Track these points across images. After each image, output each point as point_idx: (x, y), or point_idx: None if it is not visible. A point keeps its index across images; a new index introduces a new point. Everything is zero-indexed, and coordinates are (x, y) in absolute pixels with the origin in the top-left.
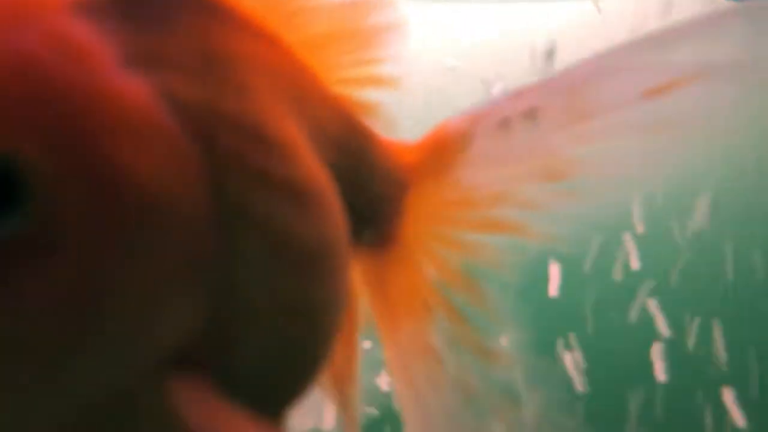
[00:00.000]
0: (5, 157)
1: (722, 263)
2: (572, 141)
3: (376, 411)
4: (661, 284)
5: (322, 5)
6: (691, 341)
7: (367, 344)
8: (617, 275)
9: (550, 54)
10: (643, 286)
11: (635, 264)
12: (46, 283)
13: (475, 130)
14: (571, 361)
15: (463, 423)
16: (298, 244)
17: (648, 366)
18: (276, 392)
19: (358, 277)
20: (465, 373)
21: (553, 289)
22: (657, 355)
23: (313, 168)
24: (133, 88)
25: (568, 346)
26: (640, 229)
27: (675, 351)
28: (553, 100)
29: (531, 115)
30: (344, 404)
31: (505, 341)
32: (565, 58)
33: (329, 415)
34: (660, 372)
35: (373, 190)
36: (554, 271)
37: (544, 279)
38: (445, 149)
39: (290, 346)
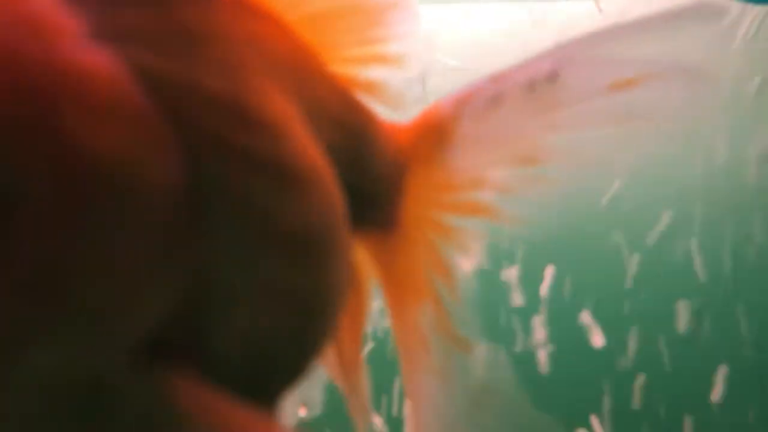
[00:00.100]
0: None
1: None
2: (545, 128)
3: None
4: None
5: None
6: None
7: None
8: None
9: None
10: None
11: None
12: (4, 263)
13: (463, 112)
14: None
15: (471, 407)
16: (286, 227)
17: None
18: (265, 379)
19: (365, 261)
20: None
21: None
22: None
23: (308, 151)
24: (98, 62)
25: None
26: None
27: None
28: (523, 87)
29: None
30: (352, 391)
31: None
32: None
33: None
34: None
35: (375, 171)
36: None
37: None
38: (437, 131)
39: (278, 332)
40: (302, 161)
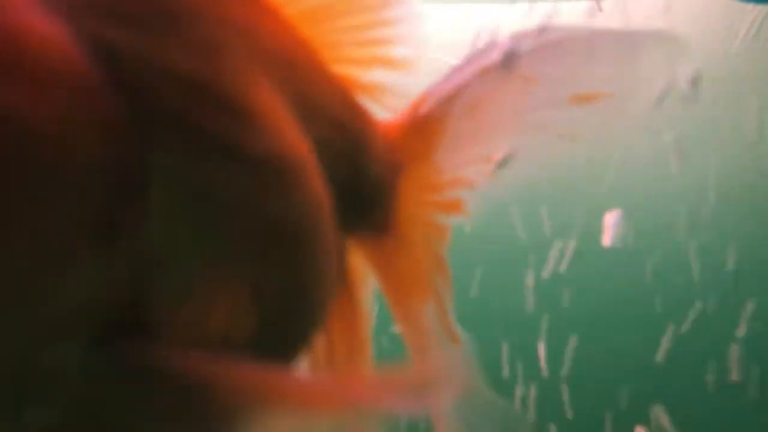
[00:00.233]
0: None
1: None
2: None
3: None
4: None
5: None
6: None
7: None
8: None
9: None
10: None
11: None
12: None
13: (451, 111)
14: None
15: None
16: (257, 217)
17: None
18: None
19: (362, 266)
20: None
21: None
22: None
23: (290, 142)
24: (44, 29)
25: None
26: None
27: None
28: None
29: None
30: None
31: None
32: None
33: None
34: None
35: (372, 171)
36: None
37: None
38: (427, 129)
39: (240, 325)
40: (281, 151)
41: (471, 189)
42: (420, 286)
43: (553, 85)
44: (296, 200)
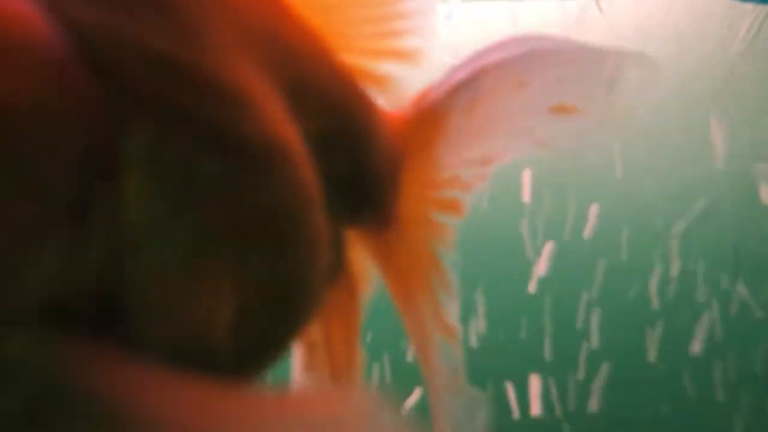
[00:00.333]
0: None
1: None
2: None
3: None
4: None
5: None
6: None
7: None
8: None
9: None
10: None
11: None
12: None
13: (455, 104)
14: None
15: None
16: (230, 201)
17: None
18: (207, 368)
19: (363, 260)
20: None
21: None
22: None
23: (276, 129)
24: (13, 8)
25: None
26: None
27: None
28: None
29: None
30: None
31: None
32: None
33: None
34: None
35: (374, 163)
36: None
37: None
38: (431, 123)
39: (217, 318)
40: (263, 135)
41: (468, 191)
42: (421, 280)
43: (540, 93)
44: (279, 187)
